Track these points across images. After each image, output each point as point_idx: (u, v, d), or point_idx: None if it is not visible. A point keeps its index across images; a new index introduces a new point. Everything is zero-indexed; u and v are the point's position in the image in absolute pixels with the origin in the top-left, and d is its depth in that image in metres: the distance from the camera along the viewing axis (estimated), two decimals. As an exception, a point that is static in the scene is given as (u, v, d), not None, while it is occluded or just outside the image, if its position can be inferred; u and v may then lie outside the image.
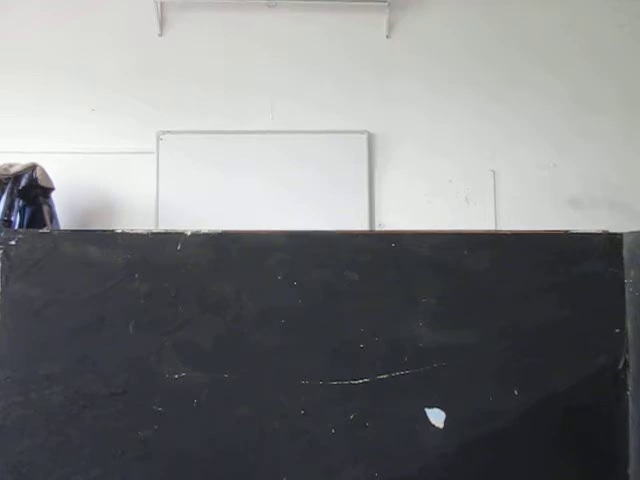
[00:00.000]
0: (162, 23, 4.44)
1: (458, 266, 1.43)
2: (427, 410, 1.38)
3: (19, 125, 4.30)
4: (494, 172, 4.42)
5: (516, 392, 1.39)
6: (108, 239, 1.43)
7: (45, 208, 3.95)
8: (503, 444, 1.39)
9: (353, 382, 1.39)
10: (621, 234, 1.42)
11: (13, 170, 3.88)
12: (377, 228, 4.27)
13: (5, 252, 1.40)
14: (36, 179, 3.91)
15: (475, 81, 4.44)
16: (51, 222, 3.95)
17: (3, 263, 1.39)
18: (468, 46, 4.47)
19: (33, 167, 3.93)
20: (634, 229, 1.40)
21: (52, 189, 4.04)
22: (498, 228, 4.21)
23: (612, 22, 4.49)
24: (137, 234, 1.44)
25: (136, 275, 1.40)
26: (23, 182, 3.89)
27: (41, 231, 1.50)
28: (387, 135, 4.43)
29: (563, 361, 1.40)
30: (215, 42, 4.44)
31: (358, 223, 4.19)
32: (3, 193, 3.83)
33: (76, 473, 1.37)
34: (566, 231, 1.46)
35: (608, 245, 1.42)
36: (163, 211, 4.29)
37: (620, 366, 1.39)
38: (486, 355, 1.40)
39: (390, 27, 4.46)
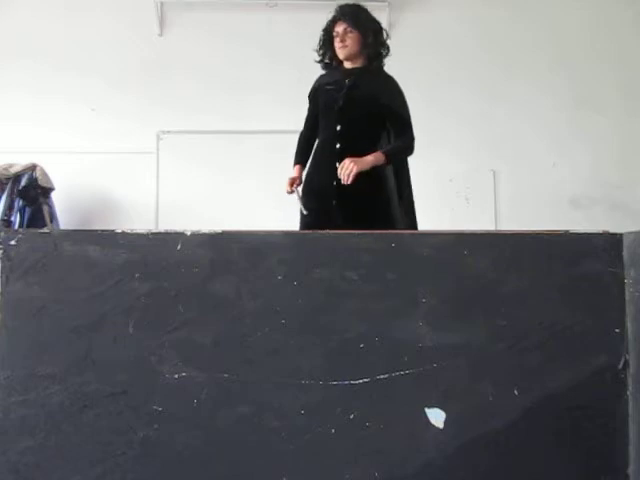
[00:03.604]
0: (162, 23, 4.44)
1: (458, 266, 1.43)
2: (427, 410, 1.38)
3: (19, 125, 4.30)
4: (494, 172, 4.42)
5: (516, 392, 1.39)
6: (108, 239, 1.43)
7: (45, 208, 3.95)
8: (503, 444, 1.39)
9: (353, 382, 1.39)
10: (621, 234, 1.42)
11: (13, 170, 3.89)
12: (377, 228, 4.26)
13: (5, 252, 1.40)
14: (36, 179, 3.91)
15: (475, 81, 4.44)
16: (51, 222, 3.95)
17: (3, 263, 1.39)
18: (468, 46, 4.47)
19: (33, 167, 3.94)
20: (634, 229, 1.40)
21: (52, 189, 4.04)
22: (498, 228, 4.21)
23: (615, 22, 4.49)
24: (137, 234, 1.44)
25: (136, 275, 1.40)
26: (23, 182, 3.89)
27: (41, 231, 1.50)
28: (387, 135, 4.42)
29: (563, 361, 1.40)
30: (215, 42, 4.44)
31: (358, 223, 4.19)
32: (3, 193, 3.84)
33: (76, 473, 1.37)
34: (566, 231, 1.46)
35: (608, 245, 1.42)
36: (163, 211, 4.29)
37: (620, 366, 1.39)
38: (486, 355, 1.40)
39: (390, 27, 4.46)
